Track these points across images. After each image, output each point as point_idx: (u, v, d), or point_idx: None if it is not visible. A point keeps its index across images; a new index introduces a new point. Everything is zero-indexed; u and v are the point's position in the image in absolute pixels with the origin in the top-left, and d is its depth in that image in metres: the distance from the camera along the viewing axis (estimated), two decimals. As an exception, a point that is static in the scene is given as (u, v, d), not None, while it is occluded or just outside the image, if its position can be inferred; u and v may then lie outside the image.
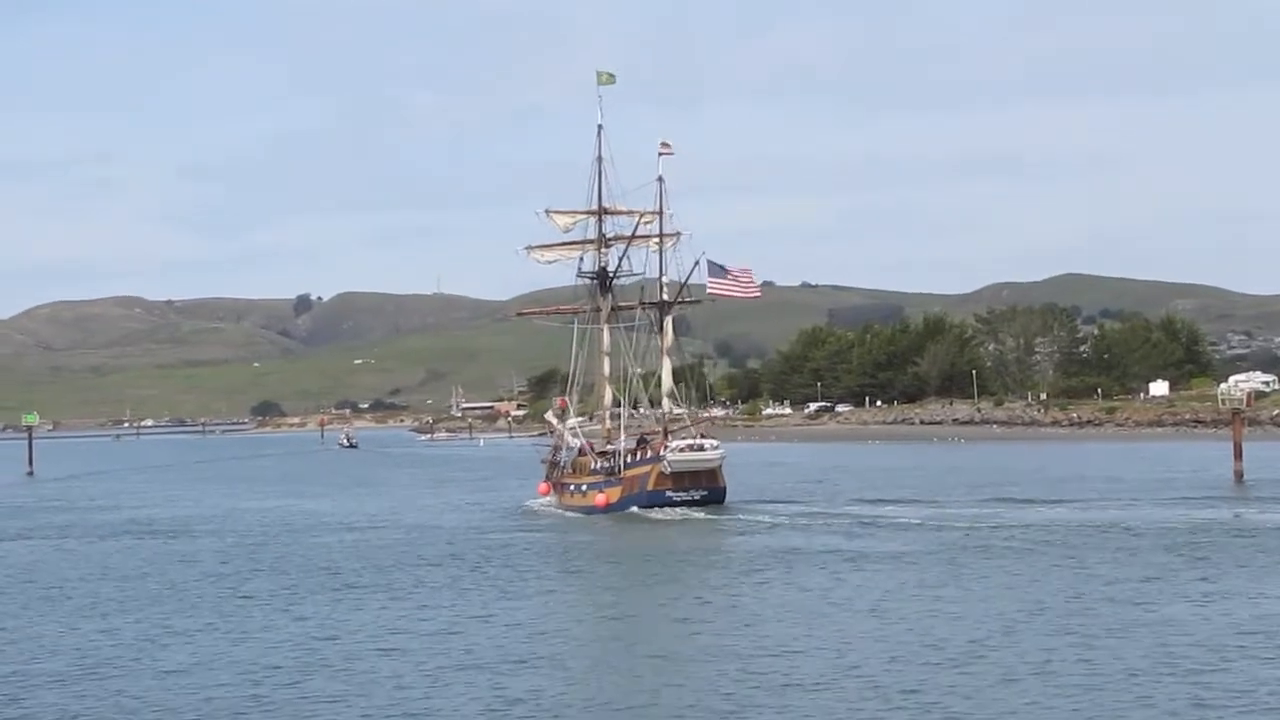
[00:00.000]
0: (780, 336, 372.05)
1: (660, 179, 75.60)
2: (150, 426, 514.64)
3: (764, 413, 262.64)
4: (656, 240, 76.02)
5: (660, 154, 75.45)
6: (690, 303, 77.84)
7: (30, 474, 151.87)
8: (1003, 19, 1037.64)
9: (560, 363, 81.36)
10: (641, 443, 73.92)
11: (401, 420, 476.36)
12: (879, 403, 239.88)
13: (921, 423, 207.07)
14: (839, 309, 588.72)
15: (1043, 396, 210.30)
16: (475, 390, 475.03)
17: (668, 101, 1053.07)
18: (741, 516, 67.01)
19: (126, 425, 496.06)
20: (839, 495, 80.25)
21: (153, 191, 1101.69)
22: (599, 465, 74.97)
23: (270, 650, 34.07)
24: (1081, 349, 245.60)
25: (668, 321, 76.46)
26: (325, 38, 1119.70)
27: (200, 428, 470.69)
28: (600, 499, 72.48)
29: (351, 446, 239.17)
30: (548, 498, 79.72)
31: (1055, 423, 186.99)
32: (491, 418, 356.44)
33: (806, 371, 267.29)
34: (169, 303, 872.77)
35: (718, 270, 73.70)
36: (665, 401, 75.98)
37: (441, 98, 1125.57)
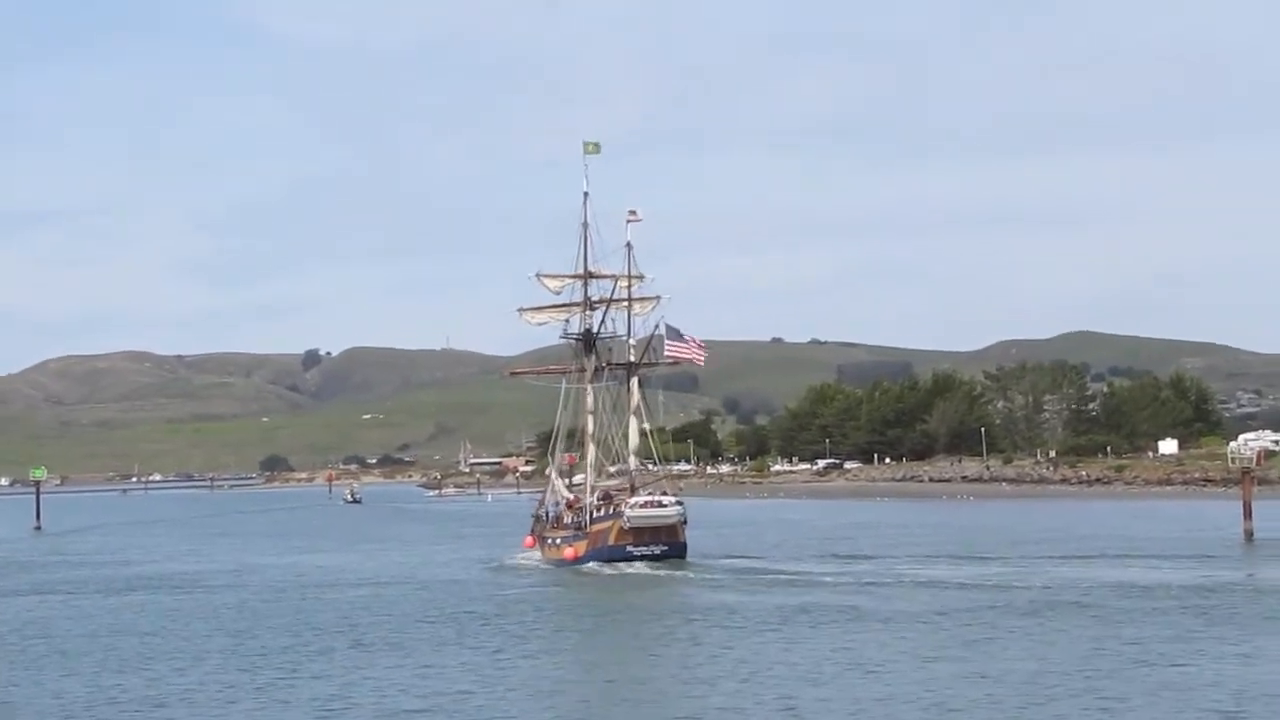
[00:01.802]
0: (789, 393, 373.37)
1: (629, 245, 79.45)
2: (158, 481, 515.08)
3: (772, 469, 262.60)
4: (638, 302, 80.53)
5: (628, 221, 79.26)
6: (649, 365, 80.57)
7: (38, 528, 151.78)
8: (1012, 69, 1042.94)
9: (572, 420, 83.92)
10: (606, 498, 77.33)
11: (409, 476, 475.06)
12: (887, 460, 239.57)
13: (930, 480, 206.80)
14: (847, 365, 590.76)
15: (1051, 454, 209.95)
16: (484, 445, 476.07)
17: (676, 151, 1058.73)
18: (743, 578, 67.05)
19: (134, 480, 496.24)
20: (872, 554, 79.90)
21: (162, 242, 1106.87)
22: (569, 520, 79.00)
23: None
24: (1091, 407, 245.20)
25: (634, 382, 79.79)
26: (338, 88, 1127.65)
27: (208, 482, 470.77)
28: (569, 552, 76.17)
29: (355, 502, 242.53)
30: (533, 550, 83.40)
31: (1064, 481, 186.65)
32: (500, 473, 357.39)
33: (815, 428, 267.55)
34: (179, 357, 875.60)
35: (675, 334, 79.03)
36: (632, 459, 79.11)
37: (455, 147, 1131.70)
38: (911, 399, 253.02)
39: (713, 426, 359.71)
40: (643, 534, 73.34)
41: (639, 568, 71.09)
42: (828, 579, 64.32)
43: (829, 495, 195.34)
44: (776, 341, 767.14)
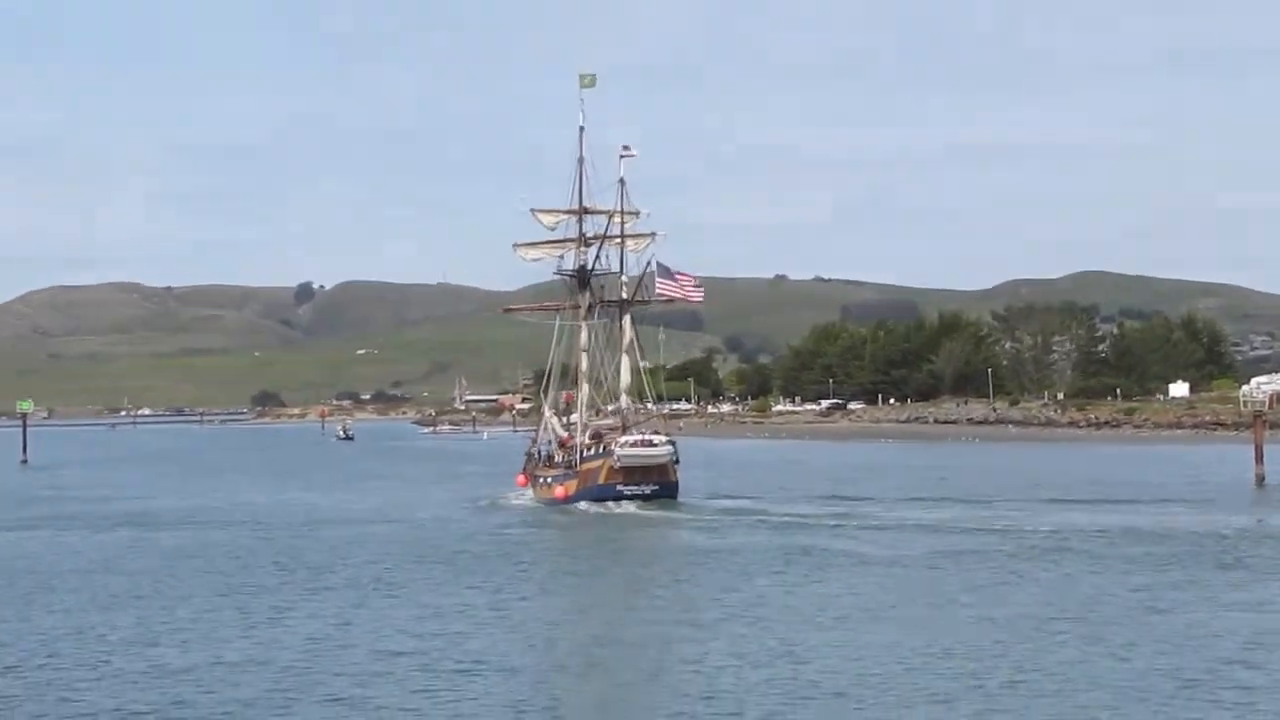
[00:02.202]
0: (792, 331, 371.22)
1: (622, 181, 79.41)
2: (147, 415, 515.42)
3: (774, 409, 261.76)
4: (632, 239, 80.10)
5: (622, 156, 79.50)
6: (641, 302, 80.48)
7: (24, 462, 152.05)
8: (1025, 8, 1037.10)
9: (566, 358, 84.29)
10: (597, 437, 77.60)
11: (404, 412, 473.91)
12: (892, 401, 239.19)
13: (936, 421, 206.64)
14: (852, 304, 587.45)
15: (1060, 396, 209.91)
16: (480, 383, 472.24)
17: (683, 88, 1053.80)
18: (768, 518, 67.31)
19: (123, 414, 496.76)
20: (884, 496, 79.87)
21: (151, 174, 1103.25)
22: (561, 459, 79.75)
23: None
24: (1100, 348, 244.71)
25: (625, 319, 79.94)
26: (332, 17, 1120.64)
27: (198, 417, 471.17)
28: (560, 492, 76.81)
29: (348, 439, 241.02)
30: (525, 489, 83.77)
31: (1072, 423, 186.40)
32: (496, 411, 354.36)
33: (818, 368, 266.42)
34: (168, 289, 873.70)
35: (665, 272, 78.63)
36: (624, 398, 78.97)
37: (455, 80, 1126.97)
38: (917, 339, 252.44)
39: (714, 365, 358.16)
40: (633, 473, 73.73)
41: (628, 508, 71.65)
42: (830, 522, 63.98)
43: (832, 436, 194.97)
44: (780, 279, 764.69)
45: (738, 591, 42.44)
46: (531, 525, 67.57)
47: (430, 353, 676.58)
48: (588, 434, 78.61)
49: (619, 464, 73.76)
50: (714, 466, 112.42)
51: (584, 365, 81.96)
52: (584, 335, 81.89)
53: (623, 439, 75.05)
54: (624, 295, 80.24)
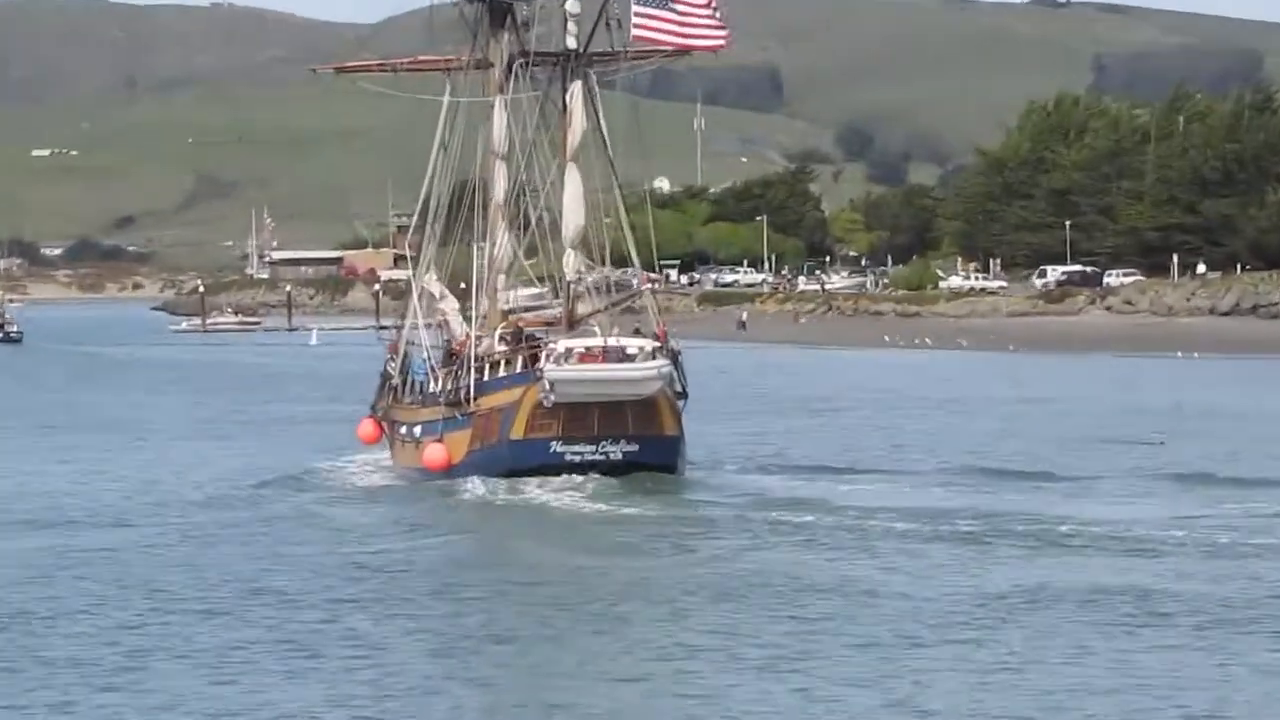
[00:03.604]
0: (980, 120, 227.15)
1: None
2: None
3: (944, 285, 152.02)
4: None
5: None
6: (605, 59, 46.83)
7: None
8: None
9: (447, 168, 48.85)
10: (517, 339, 46.08)
11: (136, 285, 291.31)
12: (1201, 269, 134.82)
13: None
14: (1117, 55, 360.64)
15: None
16: (305, 223, 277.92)
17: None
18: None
19: None
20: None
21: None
22: (438, 388, 46.77)
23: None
24: None
25: (575, 92, 45.89)
26: None
27: None
28: (436, 454, 44.51)
29: (7, 339, 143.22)
30: (376, 449, 50.41)
31: None
32: (339, 285, 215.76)
33: (1040, 196, 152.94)
34: None
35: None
36: (568, 258, 46.60)
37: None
38: (1256, 134, 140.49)
39: (813, 190, 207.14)
40: (583, 419, 42.99)
41: (570, 496, 41.67)
42: (1022, 527, 35.86)
43: (1070, 343, 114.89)
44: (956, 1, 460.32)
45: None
46: (367, 546, 36.44)
47: (191, 157, 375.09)
48: (499, 333, 46.87)
49: (550, 397, 42.54)
50: (776, 403, 73.38)
51: (499, 187, 47.78)
52: (498, 123, 47.56)
53: (560, 344, 44.16)
54: (570, 43, 46.29)
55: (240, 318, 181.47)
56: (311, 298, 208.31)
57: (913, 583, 29.93)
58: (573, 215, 46.15)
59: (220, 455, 55.30)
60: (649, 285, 47.46)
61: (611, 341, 44.12)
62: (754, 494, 42.31)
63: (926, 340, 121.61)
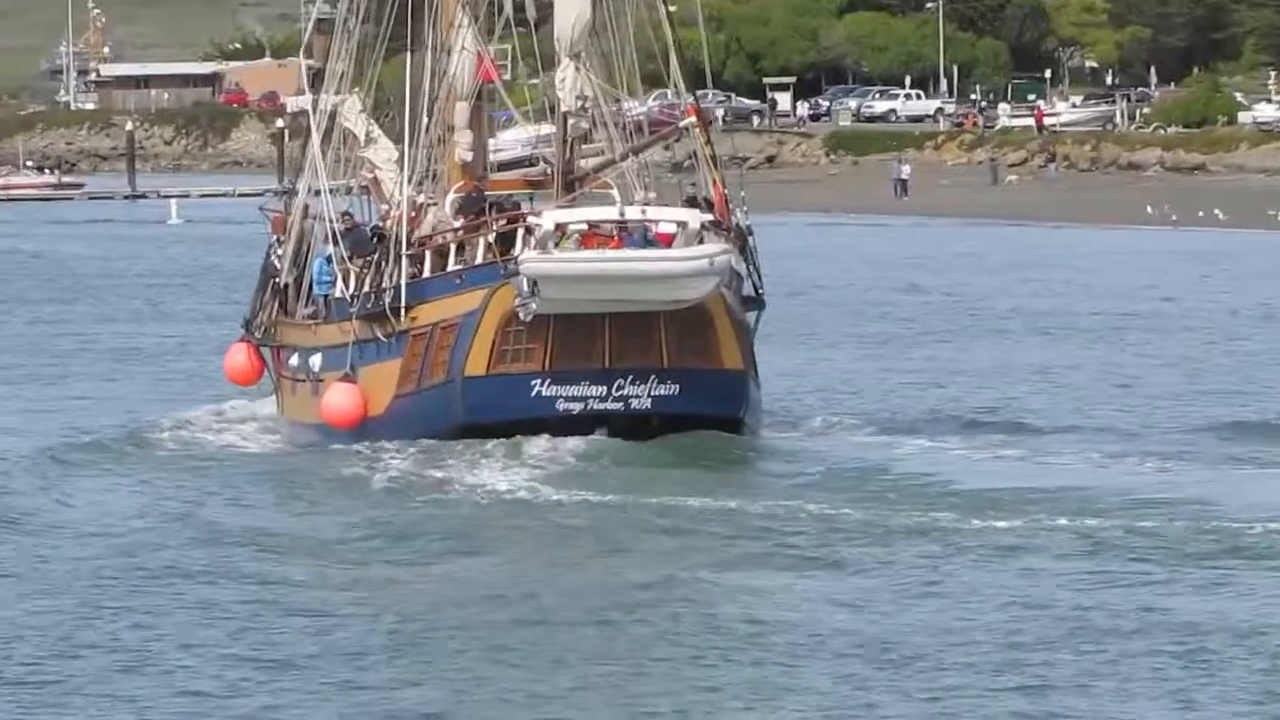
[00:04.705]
0: None
1: None
2: None
3: (1246, 119, 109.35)
4: None
5: None
6: None
7: None
8: None
9: None
10: (480, 214, 32.19)
11: None
12: None
13: None
14: None
15: None
16: (158, 13, 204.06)
17: None
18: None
19: None
20: None
21: None
22: (348, 292, 32.96)
23: None
24: None
25: None
26: None
27: None
28: (342, 400, 31.62)
29: None
30: (258, 397, 36.64)
31: None
32: (215, 119, 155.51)
33: None
34: None
35: None
36: (564, 72, 32.23)
37: None
38: None
39: None
40: (585, 342, 30.06)
41: (561, 477, 28.40)
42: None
43: None
44: None
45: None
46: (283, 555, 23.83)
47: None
48: (451, 198, 32.53)
49: (532, 306, 29.66)
50: (959, 318, 51.38)
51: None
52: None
53: (545, 217, 30.67)
54: None
55: (48, 176, 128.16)
56: (169, 143, 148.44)
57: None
58: (562, 22, 31.17)
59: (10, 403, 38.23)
60: (692, 120, 31.50)
61: (633, 213, 30.02)
62: (898, 477, 26.87)
63: (1217, 213, 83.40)
